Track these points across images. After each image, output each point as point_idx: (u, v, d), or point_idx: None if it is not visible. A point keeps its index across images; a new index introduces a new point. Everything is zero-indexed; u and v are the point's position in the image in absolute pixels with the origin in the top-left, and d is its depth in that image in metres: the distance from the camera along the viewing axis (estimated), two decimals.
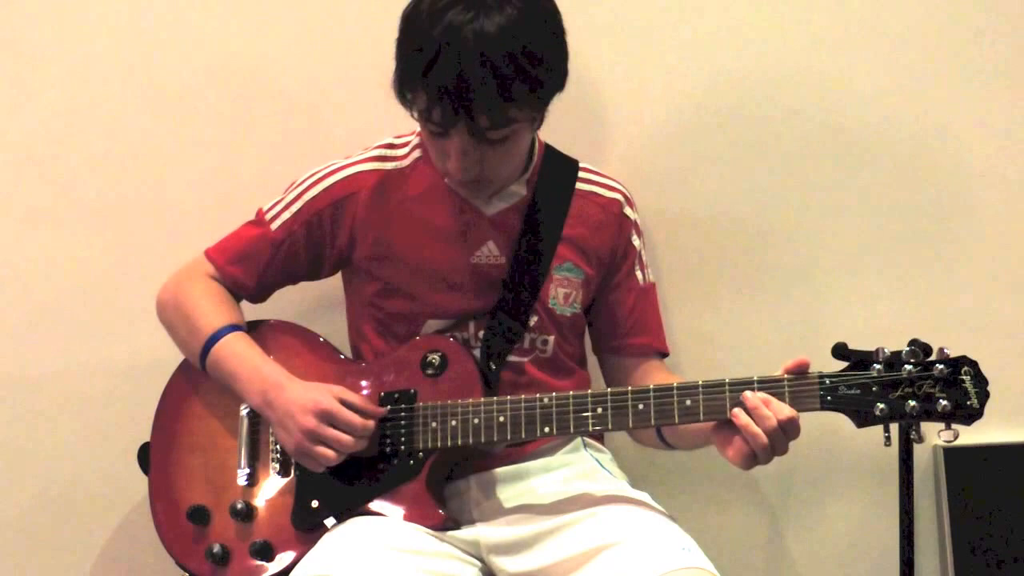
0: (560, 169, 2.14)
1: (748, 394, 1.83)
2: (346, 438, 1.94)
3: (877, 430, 1.82)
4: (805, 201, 2.41)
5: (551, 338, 2.11)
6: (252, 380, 2.02)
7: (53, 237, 2.44)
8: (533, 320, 2.09)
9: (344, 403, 1.96)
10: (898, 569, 2.31)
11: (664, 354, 2.22)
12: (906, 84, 2.39)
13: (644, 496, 2.03)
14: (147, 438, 2.15)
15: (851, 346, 1.83)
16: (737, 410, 1.83)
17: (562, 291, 2.11)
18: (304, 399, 1.96)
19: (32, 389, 2.45)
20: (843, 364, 1.84)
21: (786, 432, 1.82)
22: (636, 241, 2.19)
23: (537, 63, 1.87)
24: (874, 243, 2.42)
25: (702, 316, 2.43)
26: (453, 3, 1.85)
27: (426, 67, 1.85)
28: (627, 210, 2.18)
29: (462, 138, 1.91)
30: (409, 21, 1.91)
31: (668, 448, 2.10)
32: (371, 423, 1.97)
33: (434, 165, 2.06)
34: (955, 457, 2.39)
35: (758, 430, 1.81)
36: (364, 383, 2.05)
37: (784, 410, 1.81)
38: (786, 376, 1.84)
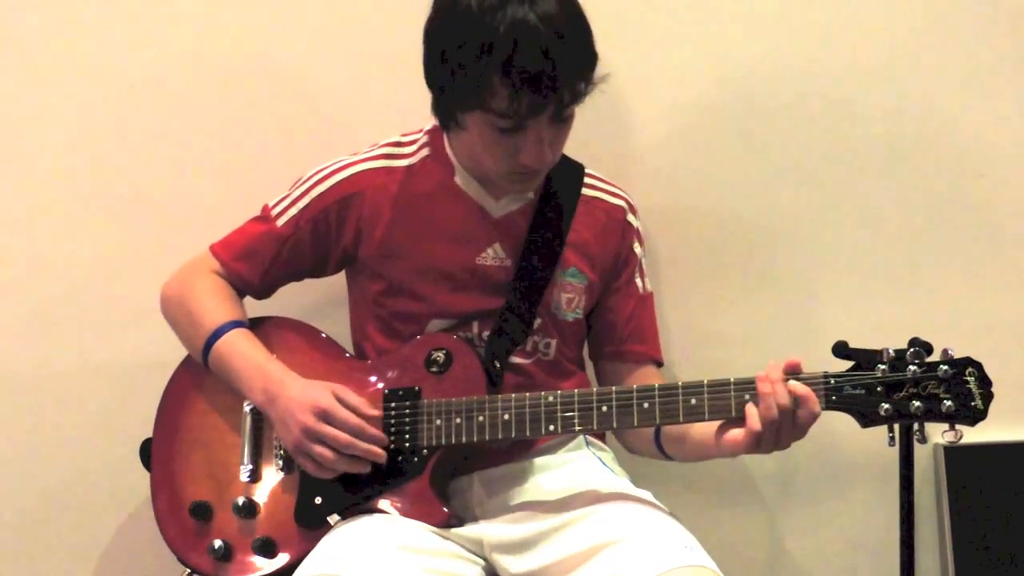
0: (566, 173, 2.15)
1: (773, 365, 1.84)
2: (342, 436, 1.94)
3: (879, 429, 1.82)
4: (806, 201, 2.42)
5: (554, 341, 2.12)
6: (254, 377, 2.02)
7: (57, 233, 2.44)
8: (537, 323, 2.10)
9: (341, 401, 1.96)
10: (899, 567, 2.31)
11: (659, 364, 2.23)
12: (907, 84, 2.39)
13: (646, 494, 2.03)
14: (149, 435, 2.15)
15: (852, 345, 1.83)
16: (762, 375, 1.83)
17: (565, 296, 2.12)
18: (304, 397, 1.96)
19: (35, 386, 2.45)
20: (844, 363, 1.84)
21: (797, 415, 1.82)
22: (638, 249, 2.20)
23: (588, 33, 1.93)
24: (874, 244, 2.42)
25: (702, 316, 2.43)
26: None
27: (506, 60, 1.84)
28: (630, 217, 2.19)
29: (540, 124, 1.92)
30: (456, 26, 1.90)
31: (665, 458, 2.10)
32: (371, 429, 1.96)
33: (442, 164, 2.07)
34: (956, 456, 2.39)
35: (773, 405, 1.81)
36: (368, 380, 2.05)
37: (810, 401, 1.81)
38: (791, 376, 1.83)
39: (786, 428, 1.83)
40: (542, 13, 1.85)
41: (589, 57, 1.93)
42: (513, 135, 1.93)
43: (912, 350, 1.80)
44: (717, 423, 1.90)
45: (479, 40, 1.86)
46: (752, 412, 1.83)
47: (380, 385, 2.04)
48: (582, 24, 1.92)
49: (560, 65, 1.86)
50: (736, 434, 1.86)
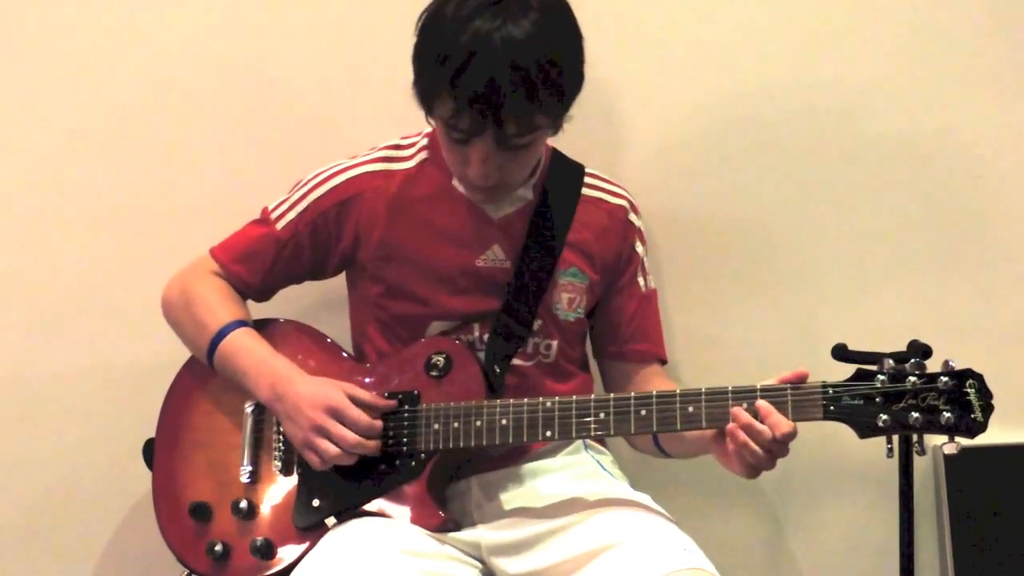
0: (566, 174, 2.14)
1: (738, 411, 1.82)
2: (352, 436, 1.94)
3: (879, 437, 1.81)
4: (807, 204, 2.42)
5: (554, 343, 2.11)
6: (261, 374, 2.02)
7: (58, 236, 2.44)
8: (537, 324, 2.09)
9: (353, 399, 1.96)
10: (898, 570, 2.31)
11: (663, 361, 2.22)
12: (908, 87, 2.39)
13: (645, 498, 2.03)
14: (151, 436, 2.15)
15: (852, 348, 1.83)
16: (732, 428, 1.82)
17: (566, 296, 2.11)
18: (314, 393, 1.96)
19: (36, 388, 2.45)
20: (843, 365, 1.84)
21: (784, 442, 1.82)
22: (639, 248, 2.19)
23: (562, 69, 1.87)
24: (875, 246, 2.42)
25: (704, 318, 2.43)
26: (479, 10, 1.83)
27: (455, 74, 1.83)
28: (632, 216, 2.18)
29: (486, 145, 1.90)
30: (431, 28, 1.90)
31: (664, 456, 2.11)
32: (378, 423, 1.97)
33: (440, 167, 2.06)
34: (955, 458, 2.37)
35: (756, 448, 1.81)
36: (368, 383, 2.05)
37: (782, 425, 1.80)
38: (789, 386, 1.83)
39: (779, 452, 1.83)
40: (508, 36, 1.81)
41: (550, 92, 1.86)
42: (462, 147, 1.93)
43: (912, 360, 1.79)
44: None
45: (439, 48, 1.86)
46: (731, 456, 1.85)
47: (380, 388, 2.03)
48: (556, 55, 1.86)
49: (507, 94, 1.82)
50: (734, 466, 1.87)
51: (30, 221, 2.44)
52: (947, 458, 2.37)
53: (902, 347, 1.82)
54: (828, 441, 2.31)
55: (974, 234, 2.41)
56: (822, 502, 2.46)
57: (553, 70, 1.85)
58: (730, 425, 1.83)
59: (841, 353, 1.83)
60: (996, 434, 2.30)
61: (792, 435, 1.81)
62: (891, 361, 1.80)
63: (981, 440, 2.27)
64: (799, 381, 1.83)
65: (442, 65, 1.84)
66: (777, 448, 1.82)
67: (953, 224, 2.41)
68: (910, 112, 2.39)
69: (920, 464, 2.38)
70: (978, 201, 2.41)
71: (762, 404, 1.81)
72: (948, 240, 2.41)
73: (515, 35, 1.81)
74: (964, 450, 2.32)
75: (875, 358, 1.82)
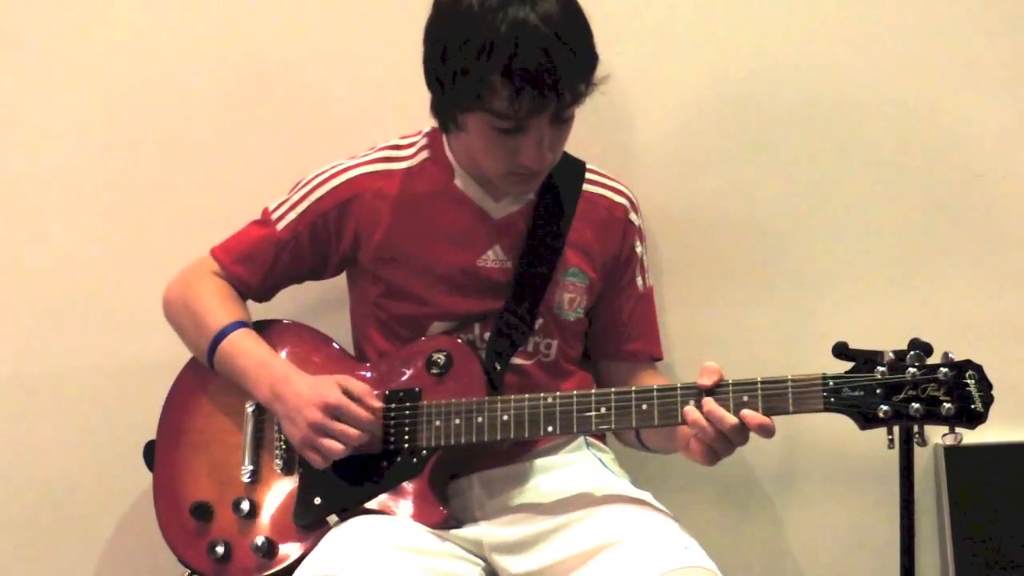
0: (567, 171, 2.14)
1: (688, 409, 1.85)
2: (352, 432, 1.94)
3: (879, 430, 1.81)
4: (806, 201, 2.41)
5: (555, 342, 2.12)
6: (260, 374, 2.02)
7: (59, 236, 2.45)
8: (539, 323, 2.10)
9: (346, 392, 1.96)
10: (898, 569, 2.31)
11: (658, 359, 2.23)
12: (907, 84, 2.39)
13: (646, 495, 2.03)
14: (152, 437, 2.15)
15: (852, 346, 1.83)
16: (688, 409, 1.85)
17: (567, 296, 2.12)
18: (312, 392, 1.96)
19: (36, 388, 2.45)
20: (843, 364, 1.84)
21: (737, 437, 1.84)
22: (639, 247, 2.20)
23: (589, 35, 1.94)
24: (874, 244, 2.42)
25: (702, 317, 2.43)
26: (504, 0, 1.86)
27: (508, 60, 1.85)
28: (632, 215, 2.19)
29: (540, 125, 1.92)
30: (458, 27, 1.90)
31: (644, 450, 2.12)
32: (378, 421, 1.97)
33: (441, 166, 2.08)
34: (956, 457, 2.39)
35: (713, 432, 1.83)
36: (369, 381, 2.04)
37: (727, 420, 1.82)
38: (790, 377, 1.83)
39: (723, 448, 1.85)
40: (543, 14, 1.85)
41: (590, 57, 1.93)
42: (513, 136, 1.93)
43: (912, 352, 1.80)
44: None
45: (480, 40, 1.86)
46: (691, 447, 1.88)
47: (381, 386, 2.04)
48: (582, 25, 1.93)
49: (561, 65, 1.86)
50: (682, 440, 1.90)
51: (31, 221, 2.45)
52: (947, 450, 2.38)
53: (903, 346, 1.82)
54: (828, 441, 2.33)
55: (975, 233, 2.41)
56: (822, 502, 2.45)
57: (587, 36, 1.93)
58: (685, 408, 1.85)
59: (841, 351, 1.83)
60: (996, 432, 2.33)
61: (739, 430, 1.83)
62: (891, 354, 1.81)
63: (981, 439, 2.29)
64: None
65: (490, 56, 1.85)
66: (724, 446, 1.85)
67: (954, 223, 2.41)
68: (911, 110, 2.39)
69: (921, 463, 2.38)
70: (979, 200, 2.41)
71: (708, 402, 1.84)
72: (949, 239, 2.41)
73: (549, 11, 1.86)
74: (964, 449, 2.34)
75: (876, 356, 1.83)
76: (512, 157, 1.96)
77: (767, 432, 1.81)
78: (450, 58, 1.91)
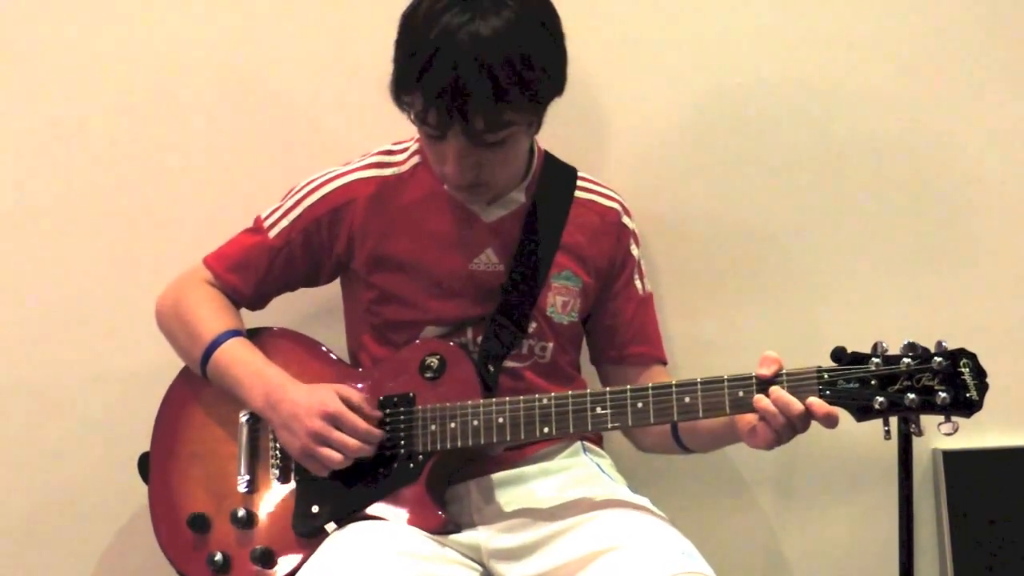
0: (559, 177, 2.15)
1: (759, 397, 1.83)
2: (352, 442, 1.94)
3: (877, 426, 1.81)
4: (803, 205, 2.42)
5: (550, 345, 2.12)
6: (255, 383, 2.01)
7: (52, 244, 2.44)
8: (532, 327, 2.09)
9: (344, 400, 1.96)
10: (898, 570, 2.30)
11: (663, 362, 2.23)
12: (905, 88, 2.40)
13: (644, 501, 2.03)
14: (146, 446, 2.14)
15: (850, 351, 1.83)
16: (758, 397, 1.83)
17: (560, 299, 2.12)
18: (310, 401, 1.96)
19: (31, 397, 2.44)
20: None
21: (801, 424, 1.82)
22: (635, 251, 2.20)
23: (533, 67, 1.87)
24: (872, 247, 2.43)
25: (701, 321, 2.43)
26: (450, 6, 1.85)
27: (421, 70, 1.85)
28: (625, 219, 2.19)
29: (458, 141, 1.90)
30: (406, 24, 1.92)
31: (685, 452, 2.10)
32: (377, 431, 1.96)
33: (433, 171, 2.06)
34: (954, 461, 2.39)
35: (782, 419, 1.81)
36: (363, 388, 2.04)
37: (794, 406, 1.80)
38: (784, 371, 1.83)
39: (787, 434, 1.83)
40: (475, 32, 1.83)
41: (521, 90, 1.86)
42: (438, 143, 1.94)
43: (906, 343, 1.80)
44: None
45: (409, 43, 1.89)
46: (758, 431, 1.84)
47: (375, 392, 2.03)
48: (530, 54, 1.86)
49: (473, 89, 1.83)
50: (746, 426, 1.87)
51: (25, 229, 2.44)
52: (946, 455, 2.38)
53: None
54: (826, 442, 2.30)
55: (973, 235, 2.42)
56: (822, 502, 2.45)
57: (523, 68, 1.86)
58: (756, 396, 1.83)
59: (840, 356, 1.83)
60: (995, 437, 2.33)
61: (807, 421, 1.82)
62: (885, 345, 1.81)
63: (980, 443, 2.29)
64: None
65: (411, 60, 1.87)
66: (789, 432, 1.82)
67: (952, 225, 2.42)
68: (907, 112, 2.40)
69: (920, 466, 2.38)
70: (977, 202, 2.42)
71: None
72: (947, 241, 2.42)
73: (482, 31, 1.83)
74: (964, 453, 2.34)
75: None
76: (442, 164, 1.97)
77: (831, 422, 1.80)
78: (394, 56, 1.93)
